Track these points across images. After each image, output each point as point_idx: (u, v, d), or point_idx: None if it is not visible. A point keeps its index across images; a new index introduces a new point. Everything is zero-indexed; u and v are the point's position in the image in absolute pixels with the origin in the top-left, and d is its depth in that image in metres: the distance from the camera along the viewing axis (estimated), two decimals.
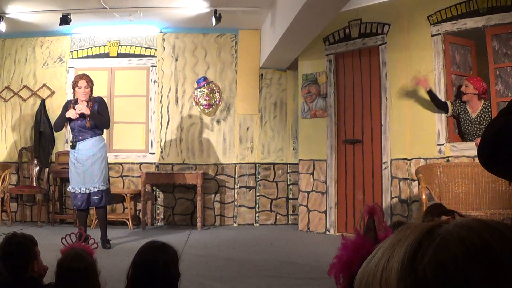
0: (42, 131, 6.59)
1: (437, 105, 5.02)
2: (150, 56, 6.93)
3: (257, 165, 6.84)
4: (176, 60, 6.92)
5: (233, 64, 6.92)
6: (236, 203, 6.80)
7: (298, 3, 4.38)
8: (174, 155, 6.82)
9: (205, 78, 6.86)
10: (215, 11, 5.94)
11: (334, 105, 6.00)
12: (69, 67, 6.90)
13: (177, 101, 6.88)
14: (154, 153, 6.81)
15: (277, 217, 6.82)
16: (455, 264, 0.39)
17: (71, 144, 4.96)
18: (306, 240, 5.58)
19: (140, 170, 6.68)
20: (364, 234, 1.10)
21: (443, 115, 5.06)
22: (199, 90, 6.85)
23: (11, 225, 6.28)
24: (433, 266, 0.39)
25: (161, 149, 6.82)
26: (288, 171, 6.86)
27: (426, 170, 4.78)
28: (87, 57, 6.93)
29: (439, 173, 4.79)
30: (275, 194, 6.84)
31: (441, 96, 5.07)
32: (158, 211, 6.76)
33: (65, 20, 5.92)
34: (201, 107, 6.83)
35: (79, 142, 4.91)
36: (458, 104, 4.95)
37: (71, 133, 5.08)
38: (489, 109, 4.82)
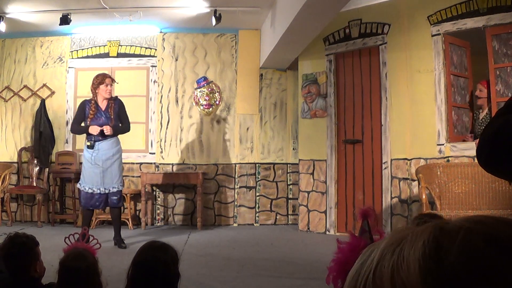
0: (42, 131, 6.59)
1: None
2: (150, 56, 6.93)
3: (257, 165, 6.85)
4: (176, 60, 6.92)
5: (233, 64, 6.93)
6: (236, 203, 6.80)
7: (298, 3, 4.38)
8: (174, 155, 6.82)
9: (205, 78, 6.85)
10: (215, 11, 5.94)
11: (334, 105, 6.00)
12: (69, 67, 6.90)
13: (177, 101, 6.88)
14: (154, 153, 6.82)
15: (277, 217, 6.82)
16: (484, 260, 0.39)
17: (89, 144, 4.91)
18: (306, 240, 5.58)
19: (140, 170, 6.68)
20: (359, 235, 1.11)
21: (443, 115, 5.07)
22: (199, 90, 6.83)
23: (11, 225, 6.28)
24: (463, 262, 0.40)
25: (161, 149, 6.82)
26: (288, 171, 6.86)
27: (426, 170, 4.79)
28: (87, 57, 6.93)
29: (439, 173, 4.79)
30: (275, 194, 6.84)
31: (441, 96, 5.07)
32: (158, 211, 6.76)
33: (65, 20, 5.92)
34: (201, 107, 6.82)
35: (98, 143, 4.91)
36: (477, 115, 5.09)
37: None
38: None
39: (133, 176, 6.75)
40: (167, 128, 6.85)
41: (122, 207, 5.18)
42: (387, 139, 5.46)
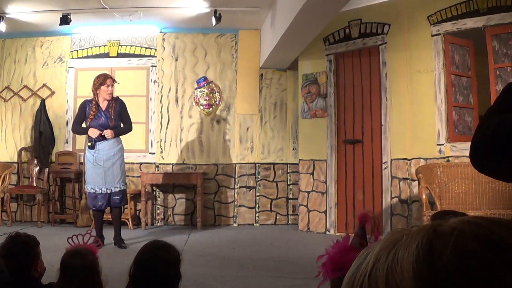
0: (42, 131, 6.59)
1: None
2: (150, 56, 6.93)
3: (257, 165, 6.85)
4: (176, 60, 6.92)
5: (233, 64, 6.93)
6: (236, 203, 6.80)
7: (298, 3, 4.38)
8: (174, 155, 6.82)
9: (205, 78, 6.86)
10: (215, 11, 5.94)
11: (334, 105, 6.00)
12: (69, 67, 6.90)
13: (177, 101, 6.88)
14: (154, 153, 6.81)
15: (277, 217, 6.82)
16: (476, 260, 0.39)
17: (89, 144, 4.91)
18: (306, 240, 5.58)
19: (140, 170, 6.68)
20: (352, 239, 1.14)
21: (443, 115, 5.07)
22: (199, 90, 6.85)
23: (11, 225, 6.28)
24: (455, 264, 0.39)
25: (161, 149, 6.82)
26: (288, 171, 6.86)
27: (426, 170, 4.79)
28: (87, 57, 6.92)
29: (439, 173, 4.80)
30: (275, 194, 6.84)
31: (441, 96, 5.07)
32: (158, 211, 6.76)
33: (65, 20, 5.92)
34: (201, 107, 6.83)
35: (99, 143, 4.90)
36: None
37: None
38: None
39: (133, 176, 6.74)
40: (167, 128, 6.85)
41: (122, 207, 5.17)
42: (387, 139, 5.46)
